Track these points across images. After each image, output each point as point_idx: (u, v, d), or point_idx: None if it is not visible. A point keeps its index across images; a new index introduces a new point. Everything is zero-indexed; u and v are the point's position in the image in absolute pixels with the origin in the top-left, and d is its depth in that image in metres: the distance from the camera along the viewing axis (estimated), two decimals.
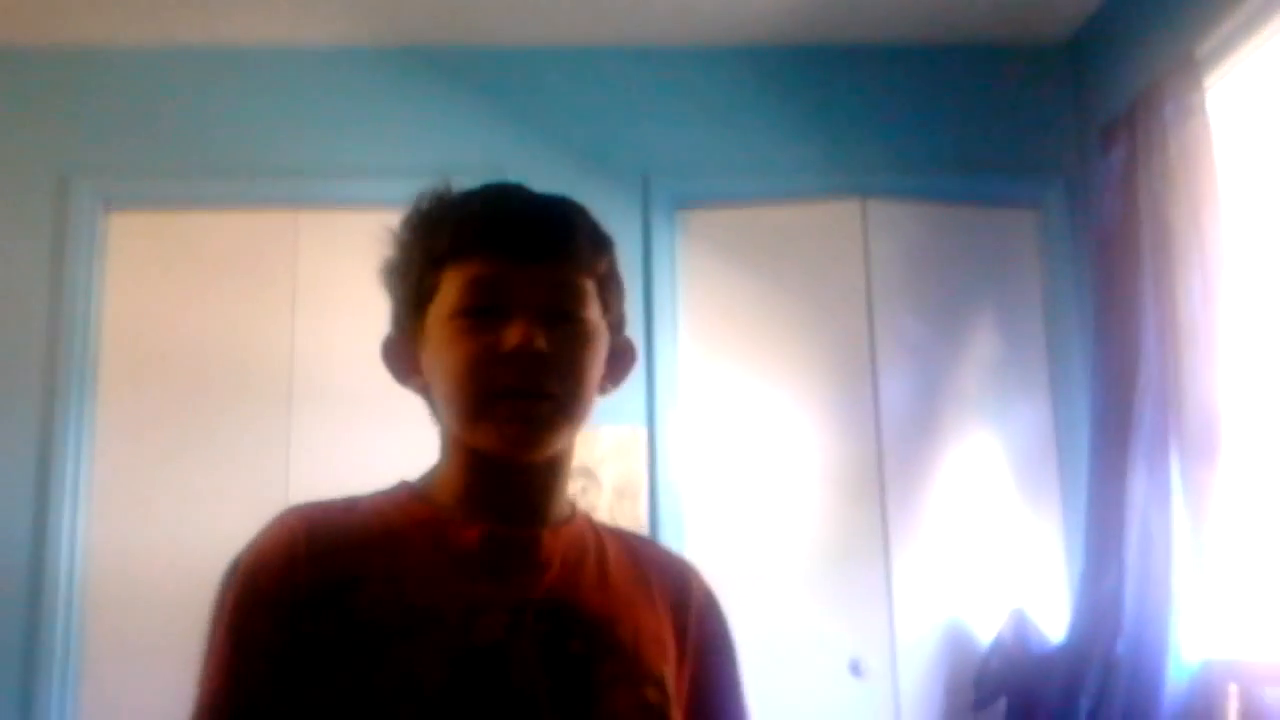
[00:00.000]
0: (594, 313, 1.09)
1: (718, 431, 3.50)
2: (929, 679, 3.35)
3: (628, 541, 1.22)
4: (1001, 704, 3.22)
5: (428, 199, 1.12)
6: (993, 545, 3.45)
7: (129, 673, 3.23)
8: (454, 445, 1.10)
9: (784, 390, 3.52)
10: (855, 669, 3.31)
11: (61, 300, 3.40)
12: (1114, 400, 3.12)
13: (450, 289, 1.06)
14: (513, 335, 1.02)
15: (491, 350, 1.03)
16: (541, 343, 1.02)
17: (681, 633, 1.17)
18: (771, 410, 3.51)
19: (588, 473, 3.38)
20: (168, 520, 3.32)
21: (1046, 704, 3.06)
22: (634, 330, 3.59)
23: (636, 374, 3.45)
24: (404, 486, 1.13)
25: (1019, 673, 3.19)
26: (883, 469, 3.44)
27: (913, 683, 3.34)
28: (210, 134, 3.56)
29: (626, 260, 3.59)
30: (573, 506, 1.17)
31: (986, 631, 3.32)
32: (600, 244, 1.13)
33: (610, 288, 1.14)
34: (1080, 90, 3.69)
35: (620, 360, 1.17)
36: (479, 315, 1.04)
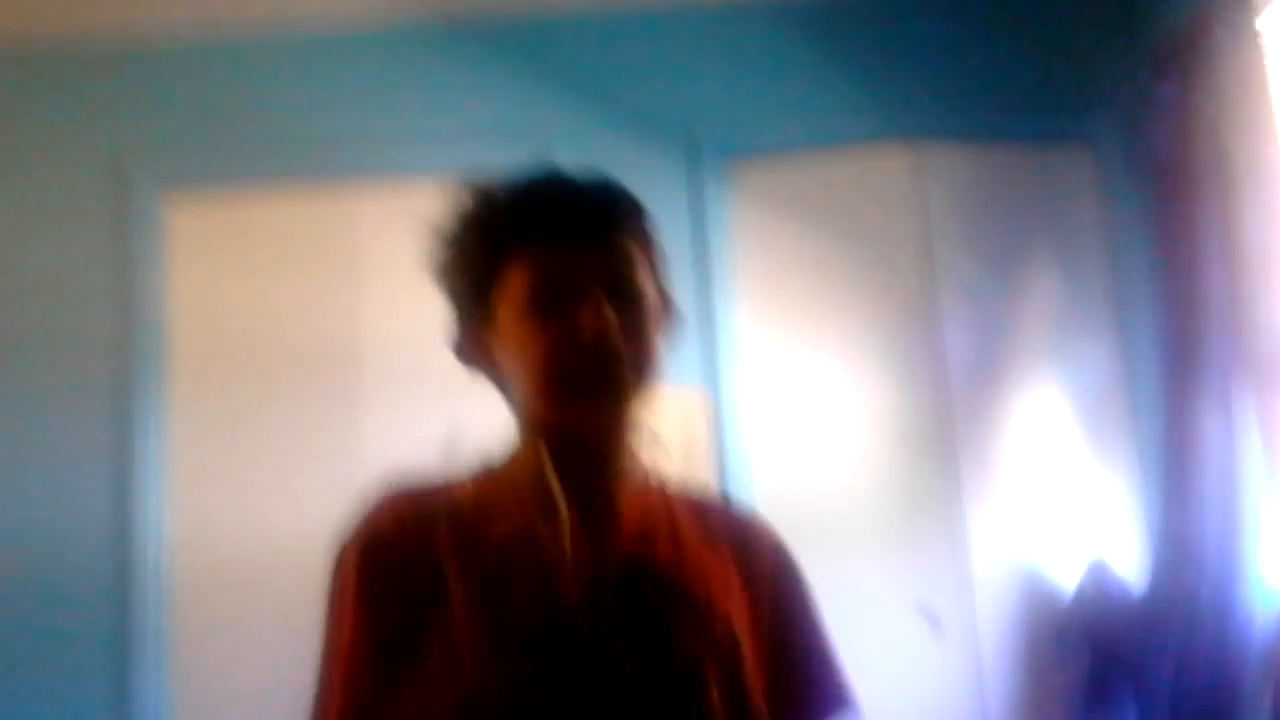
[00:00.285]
0: (647, 277, 1.15)
1: (779, 389, 3.47)
2: (1008, 631, 3.30)
3: (698, 502, 1.27)
4: (1084, 656, 3.18)
5: (474, 194, 1.16)
6: (1066, 491, 3.40)
7: (218, 655, 3.27)
8: (532, 426, 1.15)
9: (844, 343, 3.48)
10: (933, 622, 3.28)
11: (126, 288, 3.42)
12: (1181, 334, 3.07)
13: (518, 278, 1.10)
14: (587, 321, 1.07)
15: (571, 338, 1.07)
16: (615, 323, 1.08)
17: (753, 580, 1.22)
18: (833, 364, 3.47)
19: (652, 436, 3.36)
20: (247, 503, 3.35)
21: (1131, 653, 3.02)
22: (687, 288, 3.60)
23: (694, 333, 3.47)
24: (484, 468, 1.19)
25: (1101, 623, 3.15)
26: (951, 418, 3.39)
27: (991, 635, 3.30)
28: (266, 115, 3.56)
29: (676, 218, 3.61)
30: (646, 471, 1.22)
31: (1064, 580, 3.27)
32: (641, 214, 1.17)
33: (652, 250, 1.19)
34: (1130, 20, 3.58)
35: (668, 316, 1.22)
36: (550, 300, 1.09)
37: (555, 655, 1.05)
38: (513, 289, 1.11)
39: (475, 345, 1.17)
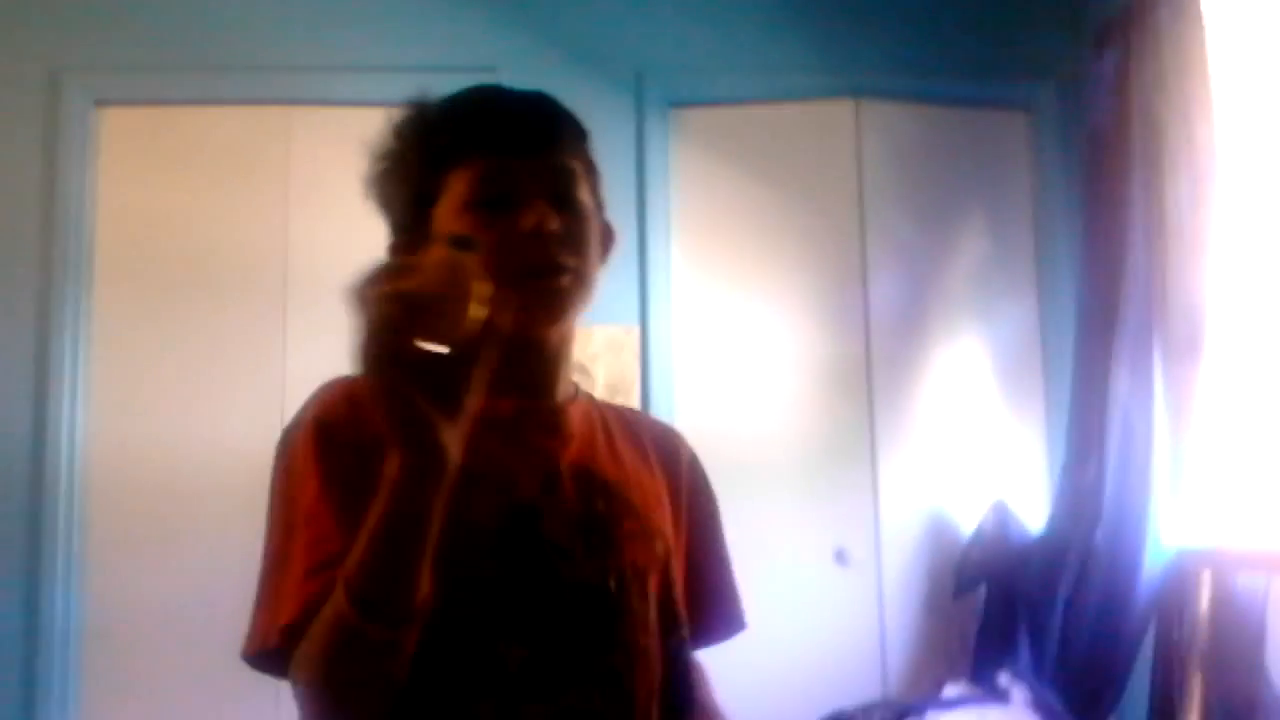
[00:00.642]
0: (588, 195, 1.17)
1: (709, 330, 3.56)
2: (912, 568, 3.46)
3: (623, 414, 1.34)
4: (981, 592, 3.33)
5: (413, 109, 1.17)
6: (977, 441, 3.54)
7: (130, 561, 3.30)
8: None
9: (775, 289, 3.57)
10: (840, 558, 3.41)
11: (54, 196, 3.40)
12: (1100, 299, 3.17)
13: (458, 186, 1.12)
14: (529, 218, 1.08)
15: (508, 234, 1.08)
16: (554, 223, 1.09)
17: (675, 492, 1.29)
18: (762, 309, 3.57)
19: (581, 369, 3.43)
20: (166, 413, 3.37)
21: (1026, 591, 3.17)
22: (627, 229, 3.62)
23: (629, 273, 3.51)
24: None
25: (999, 561, 3.29)
26: (871, 366, 3.52)
27: (896, 571, 3.45)
28: (203, 29, 3.52)
29: (620, 158, 3.64)
30: (575, 385, 1.26)
31: (970, 523, 3.42)
32: (582, 134, 1.20)
33: (594, 173, 1.21)
34: None
35: (605, 241, 1.24)
36: (491, 206, 1.10)
37: (509, 556, 1.09)
38: (452, 194, 1.12)
39: (405, 249, 1.15)
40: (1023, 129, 3.72)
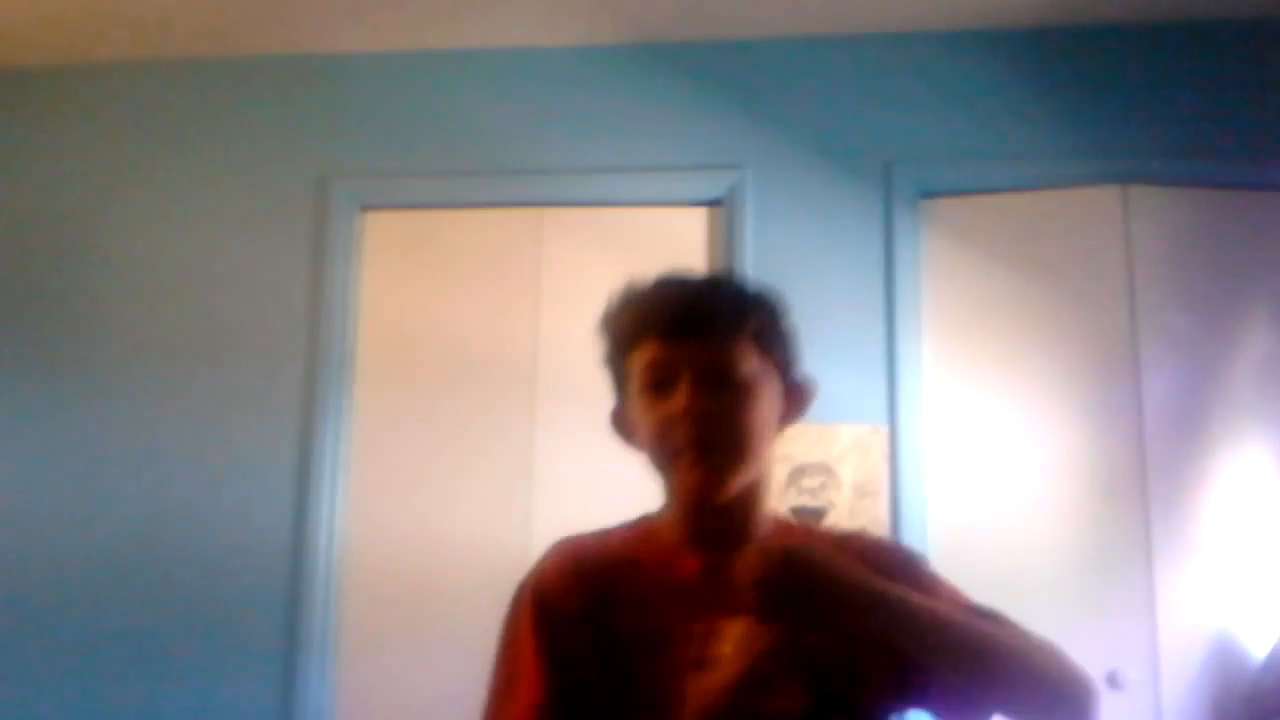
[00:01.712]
0: (751, 366, 1.31)
1: (964, 431, 3.38)
2: (1193, 694, 3.16)
3: (840, 536, 1.44)
4: None
5: (624, 292, 1.39)
6: (1266, 554, 3.22)
7: (384, 662, 3.36)
8: (667, 489, 1.35)
9: (1036, 388, 3.37)
10: (1113, 681, 3.14)
11: (321, 296, 3.56)
12: None
13: (636, 369, 1.33)
14: (679, 399, 1.27)
15: (669, 416, 1.28)
16: (703, 402, 1.26)
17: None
18: (1022, 409, 3.37)
19: (827, 470, 3.33)
20: (419, 508, 3.44)
21: None
22: (874, 324, 3.55)
23: (877, 371, 3.42)
24: (643, 520, 1.39)
25: None
26: (1146, 472, 3.26)
27: (1175, 698, 3.15)
28: (459, 135, 3.66)
29: (868, 251, 3.56)
30: (772, 520, 1.38)
31: (1258, 647, 3.10)
32: (748, 308, 1.35)
33: (769, 339, 1.35)
34: None
35: (794, 396, 1.39)
36: (658, 388, 1.30)
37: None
38: (634, 375, 1.33)
39: (620, 416, 1.39)
40: None
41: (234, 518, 3.45)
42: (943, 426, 3.38)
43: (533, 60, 3.70)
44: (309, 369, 3.53)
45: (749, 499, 1.32)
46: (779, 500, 3.34)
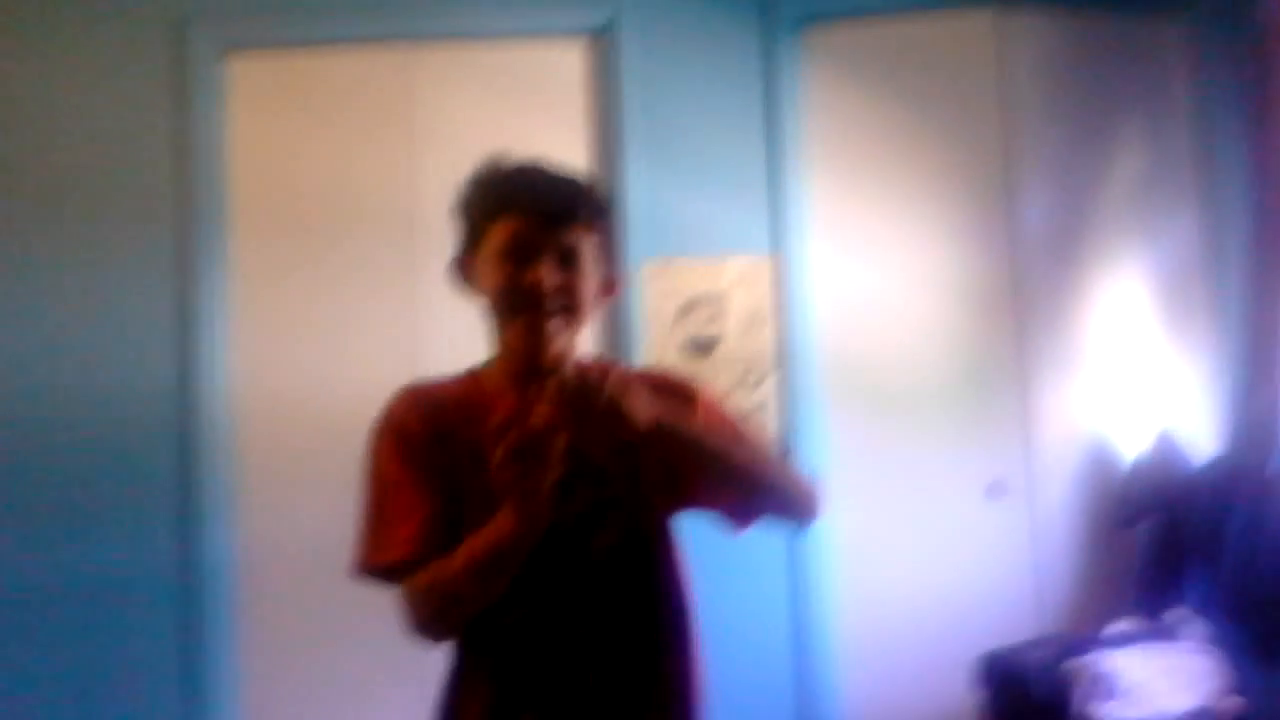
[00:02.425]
0: (592, 253, 1.56)
1: (848, 257, 3.42)
2: (1069, 500, 3.31)
3: (625, 372, 1.61)
4: (1145, 525, 3.16)
5: (486, 166, 1.57)
6: (1138, 366, 3.35)
7: (278, 501, 3.35)
8: (499, 338, 1.58)
9: (915, 212, 3.41)
10: (993, 491, 3.28)
11: (187, 145, 3.42)
12: (1271, 210, 2.96)
13: (497, 236, 1.53)
14: (535, 273, 1.50)
15: (520, 284, 1.51)
16: (553, 278, 1.51)
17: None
18: (902, 233, 3.41)
19: (716, 301, 3.35)
20: (306, 355, 3.40)
21: (1194, 523, 3.00)
22: (756, 155, 3.55)
23: (760, 201, 3.43)
24: (471, 370, 1.62)
25: (1165, 492, 3.13)
26: (1020, 289, 3.34)
27: (1052, 504, 3.30)
28: None
29: (748, 84, 3.54)
30: (575, 364, 1.58)
31: (1131, 453, 3.25)
32: (595, 204, 1.58)
33: (605, 232, 1.59)
34: None
35: (610, 284, 1.62)
36: (515, 257, 1.52)
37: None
38: (492, 240, 1.53)
39: (463, 271, 1.60)
40: (1181, 33, 3.46)
41: (117, 373, 3.35)
42: (827, 254, 3.41)
43: None
44: (180, 219, 3.40)
45: (564, 355, 1.55)
46: (671, 334, 3.36)
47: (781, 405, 3.32)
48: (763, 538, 3.20)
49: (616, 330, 3.35)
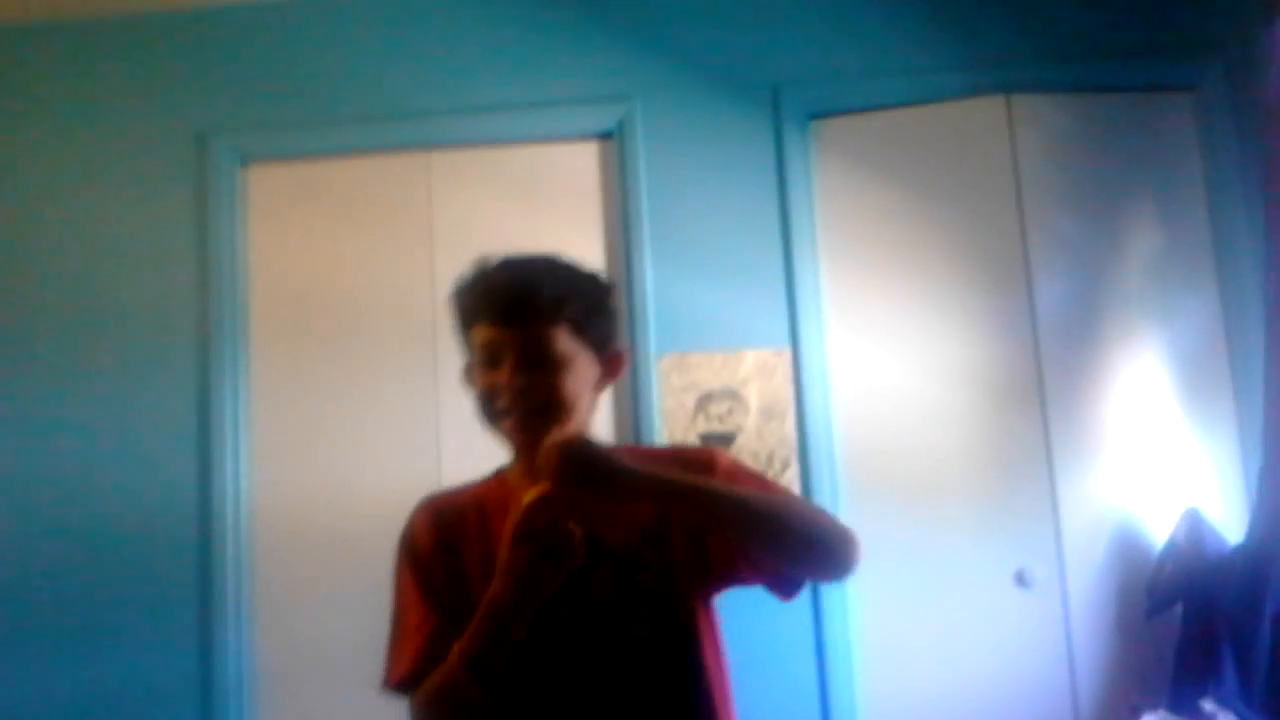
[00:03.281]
0: (564, 345, 1.55)
1: (864, 347, 3.42)
2: (1099, 587, 3.25)
3: (644, 450, 1.80)
4: (1177, 611, 3.11)
5: (467, 275, 1.60)
6: (1163, 447, 3.31)
7: (297, 609, 3.36)
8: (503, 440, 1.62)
9: (932, 301, 3.41)
10: (1021, 579, 3.23)
11: (208, 254, 3.49)
12: None
13: (474, 345, 1.59)
14: (503, 375, 1.54)
15: (495, 386, 1.55)
16: (520, 378, 1.53)
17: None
18: (920, 322, 3.41)
19: (733, 394, 3.35)
20: (327, 462, 3.41)
21: (1227, 608, 2.94)
22: (771, 248, 3.58)
23: (777, 294, 3.44)
24: (498, 471, 1.67)
25: (1195, 576, 3.06)
26: (1042, 374, 3.32)
27: (1081, 591, 3.24)
28: (339, 81, 3.59)
29: (760, 176, 3.59)
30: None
31: (1160, 536, 3.20)
32: (566, 296, 1.56)
33: (583, 319, 1.58)
34: None
35: (611, 365, 1.64)
36: (490, 363, 1.56)
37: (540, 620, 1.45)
38: (474, 348, 1.59)
39: (468, 374, 1.63)
40: (1189, 110, 3.47)
41: (137, 485, 3.39)
42: (844, 344, 3.42)
43: (414, 1, 3.62)
44: (201, 328, 3.45)
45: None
46: (688, 428, 3.36)
47: (803, 497, 3.30)
48: (787, 632, 3.18)
49: (634, 425, 3.36)
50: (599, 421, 3.39)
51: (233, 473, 3.39)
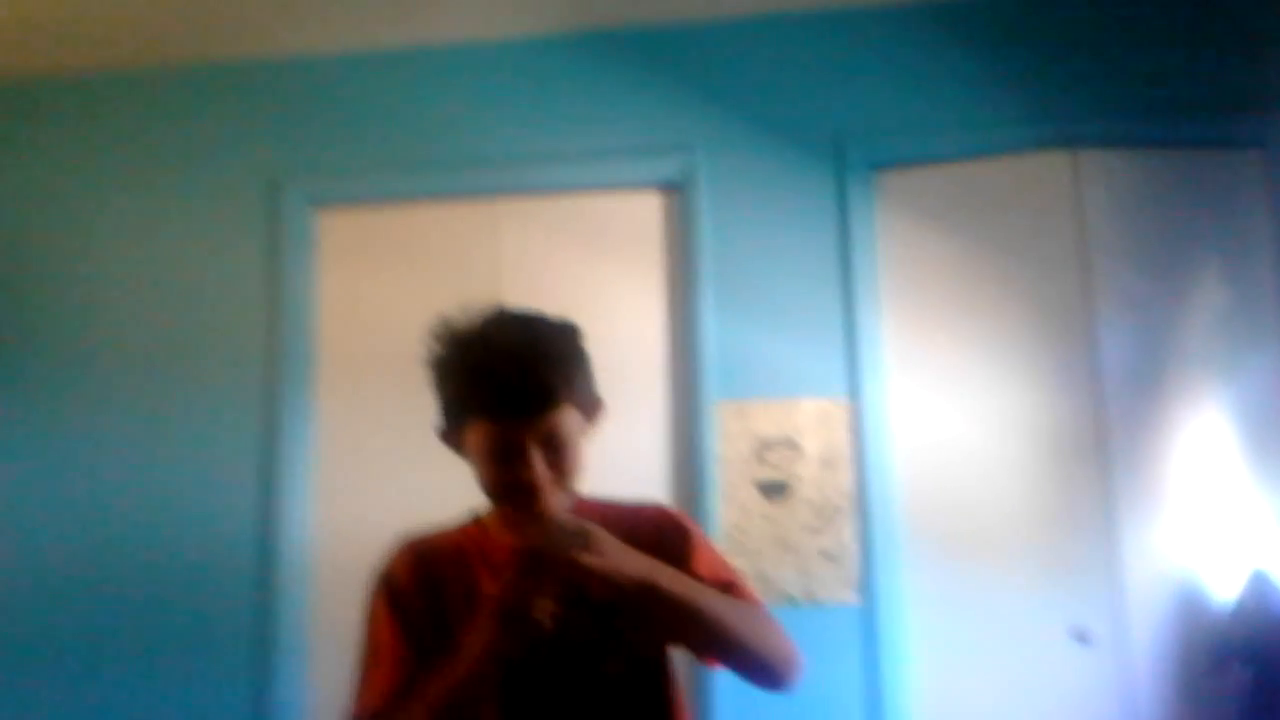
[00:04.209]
0: (572, 422, 1.52)
1: (925, 398, 3.41)
2: (1161, 645, 3.20)
3: (620, 508, 1.65)
4: (1242, 672, 3.04)
5: (444, 339, 1.59)
6: (1227, 506, 3.26)
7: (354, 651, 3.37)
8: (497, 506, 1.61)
9: (994, 354, 3.40)
10: (1082, 636, 3.18)
11: (278, 296, 3.58)
12: None
13: (475, 436, 1.52)
14: (525, 471, 1.49)
15: (511, 478, 1.50)
16: (542, 468, 1.49)
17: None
18: (982, 375, 3.40)
19: (791, 443, 3.35)
20: (388, 504, 3.45)
21: None
22: (831, 298, 3.59)
23: (836, 344, 3.44)
24: (472, 518, 1.67)
25: (1262, 636, 3.01)
26: (1104, 430, 3.29)
27: (1143, 650, 3.19)
28: (409, 130, 3.67)
29: (822, 228, 3.61)
30: (574, 500, 1.60)
31: (1223, 596, 3.15)
32: (565, 373, 1.52)
33: (577, 384, 1.54)
34: None
35: (591, 412, 1.60)
36: (499, 458, 1.50)
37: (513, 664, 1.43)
38: (474, 437, 1.52)
39: (451, 442, 1.60)
40: (1258, 167, 3.45)
41: (202, 521, 3.45)
42: (904, 395, 3.41)
43: (480, 53, 3.70)
44: (270, 369, 3.52)
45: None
46: (744, 474, 3.36)
47: (860, 549, 3.29)
48: (841, 687, 3.15)
49: (689, 472, 3.36)
50: (656, 468, 3.41)
51: (296, 512, 3.44)
